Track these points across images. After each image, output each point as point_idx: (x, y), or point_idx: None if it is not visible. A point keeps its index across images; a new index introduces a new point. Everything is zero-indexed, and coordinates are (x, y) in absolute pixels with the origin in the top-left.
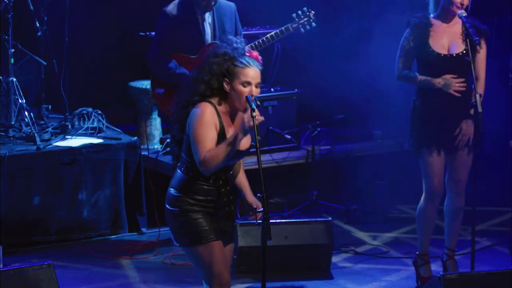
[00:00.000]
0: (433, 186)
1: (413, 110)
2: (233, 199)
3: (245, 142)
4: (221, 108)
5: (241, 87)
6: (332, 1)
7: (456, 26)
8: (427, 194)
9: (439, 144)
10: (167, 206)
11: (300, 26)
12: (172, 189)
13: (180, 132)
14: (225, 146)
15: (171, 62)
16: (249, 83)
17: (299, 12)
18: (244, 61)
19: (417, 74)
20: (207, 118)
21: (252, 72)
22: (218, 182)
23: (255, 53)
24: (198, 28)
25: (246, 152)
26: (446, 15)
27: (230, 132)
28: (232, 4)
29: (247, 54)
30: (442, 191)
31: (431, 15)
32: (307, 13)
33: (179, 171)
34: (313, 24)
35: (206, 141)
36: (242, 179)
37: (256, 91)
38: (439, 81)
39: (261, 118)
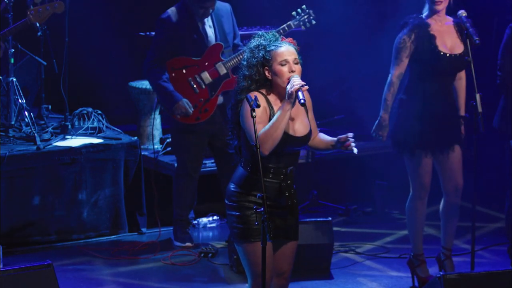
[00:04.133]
0: (424, 185)
1: (400, 108)
2: (295, 194)
3: (301, 129)
4: (271, 98)
5: (279, 67)
6: (332, 1)
7: (447, 26)
8: (418, 193)
9: (432, 144)
10: (225, 200)
11: (301, 23)
12: (232, 184)
13: (239, 132)
14: (275, 119)
15: (162, 73)
16: (286, 61)
17: (299, 10)
18: (276, 44)
19: (386, 106)
20: (247, 107)
21: (286, 50)
22: (278, 177)
23: (289, 39)
24: (199, 31)
25: (304, 140)
26: (433, 13)
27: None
28: (227, 4)
29: (279, 40)
30: (429, 188)
31: (423, 16)
32: (307, 11)
33: (240, 167)
34: (313, 21)
35: (258, 122)
36: (322, 138)
37: (296, 68)
38: (385, 118)
39: (303, 84)
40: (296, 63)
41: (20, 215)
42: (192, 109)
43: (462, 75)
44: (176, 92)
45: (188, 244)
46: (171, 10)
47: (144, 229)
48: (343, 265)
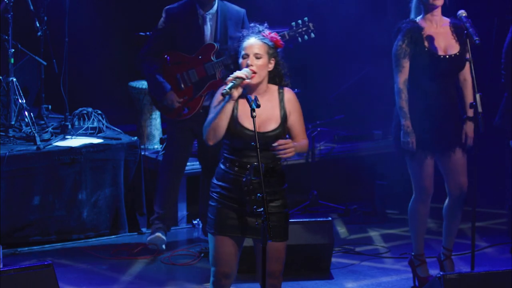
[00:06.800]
0: (426, 187)
1: None
2: (262, 192)
3: (265, 126)
4: (248, 92)
5: (241, 60)
6: (331, 2)
7: (444, 27)
8: (419, 195)
9: (432, 146)
10: None
11: (297, 35)
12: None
13: None
14: (216, 110)
15: (156, 63)
16: (247, 55)
17: (299, 21)
18: (250, 36)
19: (404, 114)
20: (218, 96)
21: (248, 43)
22: (244, 171)
23: (269, 33)
24: (199, 29)
25: (266, 136)
26: (430, 13)
27: (243, 112)
28: (241, 10)
29: (260, 34)
30: (432, 191)
31: (417, 19)
32: (307, 23)
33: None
34: (312, 35)
35: (209, 115)
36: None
37: (254, 62)
38: (408, 125)
39: (236, 76)
40: (258, 58)
41: (20, 215)
42: (177, 104)
43: (466, 76)
44: (166, 83)
45: (158, 234)
46: (178, 3)
47: (144, 229)
48: (343, 265)
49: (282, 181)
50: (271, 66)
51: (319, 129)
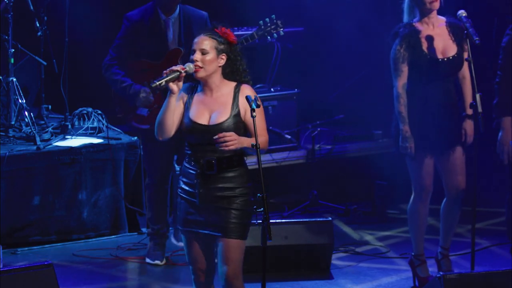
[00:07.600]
0: (425, 185)
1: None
2: (216, 188)
3: (212, 119)
4: (203, 87)
5: (191, 56)
6: (331, 2)
7: (440, 28)
8: (419, 195)
9: (433, 146)
10: None
11: (266, 33)
12: None
13: None
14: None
15: (121, 69)
16: (194, 50)
17: (267, 19)
18: (200, 33)
19: (403, 119)
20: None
21: (197, 39)
22: (198, 165)
23: (223, 29)
24: (162, 34)
25: (209, 130)
26: (426, 16)
27: (195, 107)
28: (204, 13)
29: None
30: (431, 189)
31: (414, 22)
32: (275, 21)
33: None
34: (281, 32)
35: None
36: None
37: (199, 57)
38: (406, 130)
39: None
40: (205, 53)
41: (20, 215)
42: (152, 96)
43: (465, 74)
44: (135, 84)
45: (157, 262)
46: (139, 9)
47: (144, 229)
48: (343, 265)
49: (245, 179)
50: (222, 62)
51: (319, 129)
